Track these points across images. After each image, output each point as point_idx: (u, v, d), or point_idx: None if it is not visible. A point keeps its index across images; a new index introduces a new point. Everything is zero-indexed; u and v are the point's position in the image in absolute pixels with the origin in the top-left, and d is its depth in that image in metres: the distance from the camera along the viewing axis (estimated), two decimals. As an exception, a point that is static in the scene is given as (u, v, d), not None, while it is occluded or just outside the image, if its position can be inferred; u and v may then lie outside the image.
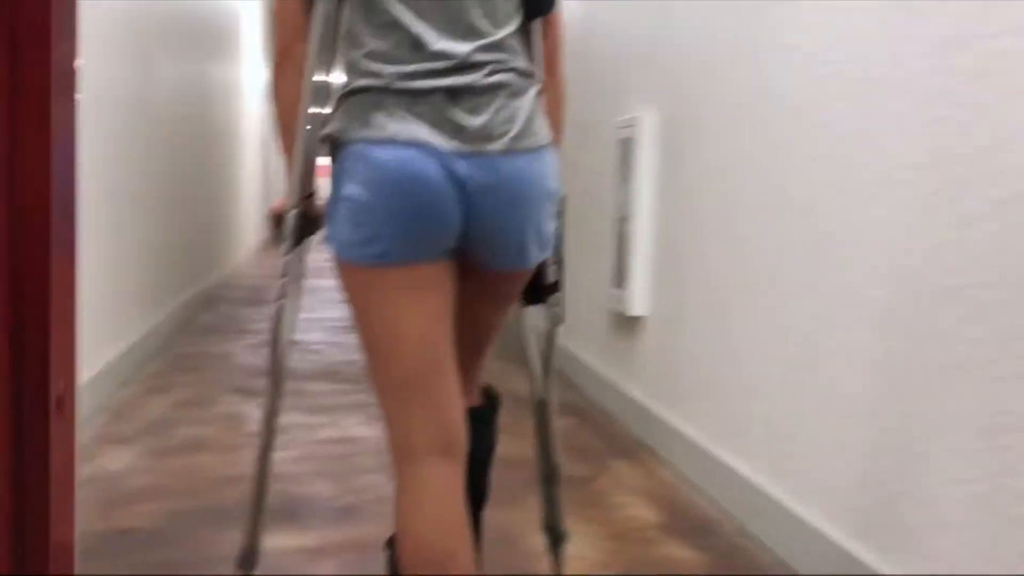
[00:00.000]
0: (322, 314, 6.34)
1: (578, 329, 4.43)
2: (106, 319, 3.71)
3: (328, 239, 1.51)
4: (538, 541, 2.42)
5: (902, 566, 1.90)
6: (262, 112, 10.85)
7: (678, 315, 3.15)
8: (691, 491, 2.88)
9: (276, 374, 1.74)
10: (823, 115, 2.26)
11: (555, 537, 2.07)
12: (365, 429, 3.46)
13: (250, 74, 10.22)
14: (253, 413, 3.60)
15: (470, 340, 1.70)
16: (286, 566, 2.24)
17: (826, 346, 2.23)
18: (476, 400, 1.86)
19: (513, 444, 3.35)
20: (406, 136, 1.43)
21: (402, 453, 1.52)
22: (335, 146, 1.49)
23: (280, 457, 3.06)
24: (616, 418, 3.71)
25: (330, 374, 4.39)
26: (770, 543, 2.42)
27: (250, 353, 4.86)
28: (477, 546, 1.82)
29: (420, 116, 1.43)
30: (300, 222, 1.62)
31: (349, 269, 1.50)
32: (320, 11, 1.55)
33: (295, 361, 4.65)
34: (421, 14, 1.46)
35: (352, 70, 1.50)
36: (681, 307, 3.13)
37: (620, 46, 3.86)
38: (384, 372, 1.52)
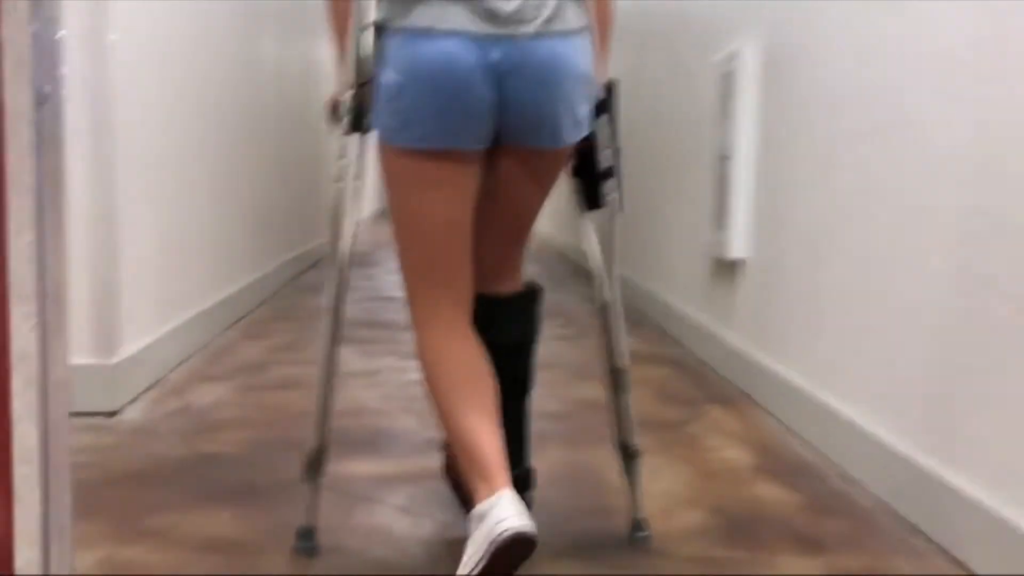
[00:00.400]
0: (422, 274, 6.35)
1: (674, 276, 4.28)
2: (211, 267, 3.76)
3: (372, 123, 1.65)
4: (620, 478, 2.33)
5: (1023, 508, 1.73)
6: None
7: (778, 258, 2.98)
8: (788, 436, 2.72)
9: (340, 260, 1.79)
10: (937, 47, 2.07)
11: (627, 454, 2.04)
12: (454, 373, 3.41)
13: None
14: (347, 357, 3.59)
15: (512, 223, 1.80)
16: (360, 490, 2.20)
17: (937, 269, 2.04)
18: (519, 286, 1.89)
19: (602, 389, 3.25)
20: (443, 26, 1.53)
21: (425, 323, 1.71)
22: (379, 34, 1.60)
23: (369, 395, 3.06)
24: (712, 366, 3.56)
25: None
26: (874, 488, 2.25)
27: (351, 306, 4.88)
28: (521, 434, 1.88)
29: (456, 4, 1.53)
30: (356, 103, 1.69)
31: (389, 152, 1.63)
32: None
33: (391, 312, 4.66)
34: None
35: None
36: (782, 249, 2.96)
37: (723, -19, 3.69)
38: (414, 252, 1.68)
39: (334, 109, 1.84)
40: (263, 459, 2.40)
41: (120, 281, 2.78)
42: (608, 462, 2.43)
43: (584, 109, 1.67)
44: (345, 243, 1.79)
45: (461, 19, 1.52)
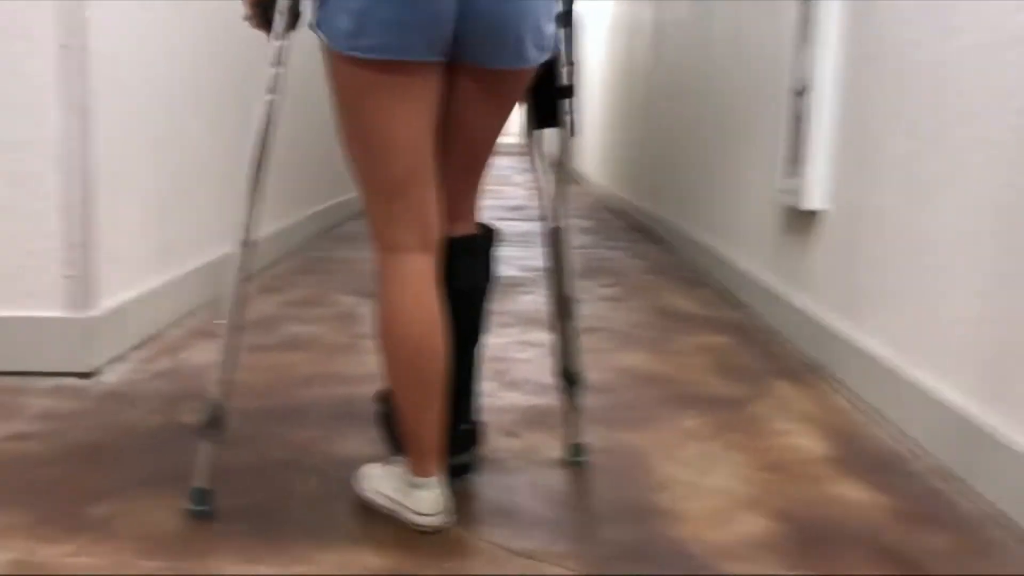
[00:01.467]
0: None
1: (738, 230, 3.81)
2: (220, 215, 3.41)
3: (318, 24, 1.46)
4: (670, 468, 1.92)
5: None
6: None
7: (865, 209, 2.52)
8: (873, 420, 2.28)
9: (257, 185, 1.62)
10: None
11: (571, 380, 1.95)
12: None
13: None
14: (364, 313, 3.23)
15: (467, 152, 1.65)
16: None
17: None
18: (474, 228, 1.74)
19: (652, 359, 2.83)
20: None
21: (386, 247, 1.57)
22: None
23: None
24: (781, 334, 3.11)
25: (460, 282, 3.98)
26: (983, 489, 1.82)
27: (358, 255, 4.52)
28: (470, 387, 1.77)
29: None
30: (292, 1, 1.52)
31: (340, 61, 1.47)
32: None
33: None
34: None
35: None
36: (869, 199, 2.49)
37: None
38: (373, 174, 1.54)
39: (259, 4, 1.55)
40: (248, 434, 2.04)
41: (98, 226, 2.43)
42: (656, 447, 2.03)
43: (551, 28, 1.57)
44: (264, 154, 1.61)
45: None
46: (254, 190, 1.62)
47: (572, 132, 1.74)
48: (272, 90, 1.54)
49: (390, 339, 1.57)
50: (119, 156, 2.53)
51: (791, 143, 3.00)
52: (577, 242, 5.51)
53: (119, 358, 2.55)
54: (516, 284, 4.00)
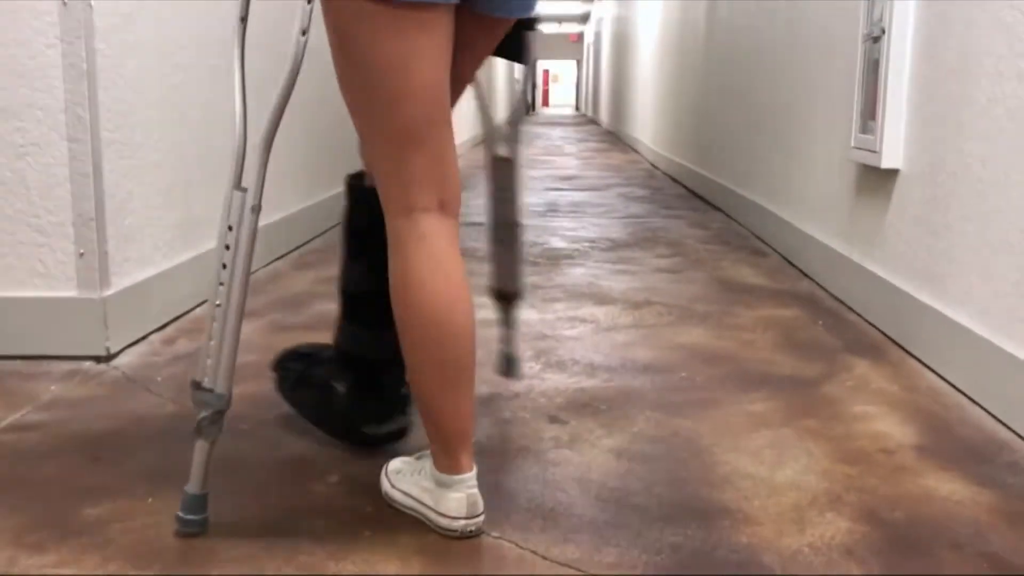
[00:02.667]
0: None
1: (803, 193, 3.53)
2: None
3: None
4: (735, 460, 1.70)
5: None
6: None
7: (948, 167, 2.24)
8: (964, 402, 2.02)
9: (278, 119, 1.41)
10: None
11: (506, 298, 1.91)
12: (526, 312, 2.81)
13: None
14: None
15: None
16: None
17: None
18: None
19: (712, 334, 2.59)
20: None
21: (401, 208, 1.40)
22: None
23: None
24: (853, 307, 2.85)
25: (506, 254, 3.77)
26: (1102, 484, 1.56)
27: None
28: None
29: None
30: None
31: (361, 2, 1.30)
32: None
33: (475, 242, 4.08)
34: None
35: None
36: (953, 156, 2.21)
37: None
38: (388, 119, 1.37)
39: None
40: (259, 424, 1.87)
41: (112, 199, 2.27)
42: (719, 435, 1.81)
43: None
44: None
45: None
46: (268, 148, 1.41)
47: (534, 61, 1.70)
48: (305, 29, 1.33)
49: (410, 315, 1.39)
50: (130, 126, 2.36)
51: (866, 95, 2.71)
52: (631, 211, 5.26)
53: (139, 340, 2.39)
54: (565, 256, 3.78)
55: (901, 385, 2.15)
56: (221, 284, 1.39)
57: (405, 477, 1.50)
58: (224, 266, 1.38)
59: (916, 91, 2.47)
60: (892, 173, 2.59)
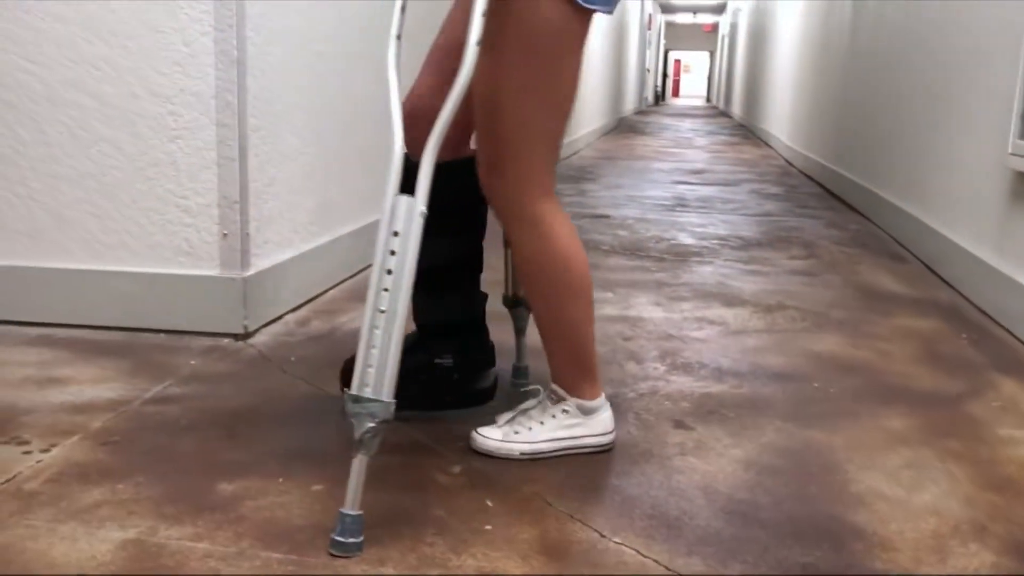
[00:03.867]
0: (642, 192, 5.68)
1: (949, 198, 3.35)
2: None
3: None
4: (871, 479, 1.63)
5: None
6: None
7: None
8: None
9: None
10: None
11: (518, 303, 2.01)
12: (652, 310, 2.77)
13: None
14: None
15: None
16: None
17: None
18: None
19: (848, 343, 2.49)
20: None
21: (547, 192, 1.62)
22: None
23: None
24: (1001, 321, 2.69)
25: (632, 250, 3.72)
26: None
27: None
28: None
29: None
30: None
31: (571, 12, 1.50)
32: None
33: (599, 235, 4.05)
34: None
35: None
36: None
37: None
38: (559, 118, 1.59)
39: None
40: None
41: (256, 183, 2.34)
42: (854, 451, 1.74)
43: None
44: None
45: None
46: (435, 155, 1.40)
47: None
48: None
49: (573, 275, 1.63)
50: (275, 113, 2.43)
51: (1023, 97, 2.56)
52: (764, 208, 5.12)
53: (273, 320, 2.47)
54: (693, 253, 3.70)
55: (1054, 409, 2.02)
56: (386, 290, 1.35)
57: (536, 429, 1.67)
58: (389, 271, 1.36)
59: (1086, 95, 2.30)
60: (1054, 182, 2.43)
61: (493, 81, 1.54)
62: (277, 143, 2.45)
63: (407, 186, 1.38)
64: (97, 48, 2.24)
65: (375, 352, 1.35)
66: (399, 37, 1.49)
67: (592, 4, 1.51)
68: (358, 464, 1.35)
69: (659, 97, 31.64)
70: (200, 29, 2.19)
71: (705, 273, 3.33)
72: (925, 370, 2.28)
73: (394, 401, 1.36)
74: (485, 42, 1.42)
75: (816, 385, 2.14)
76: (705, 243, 3.95)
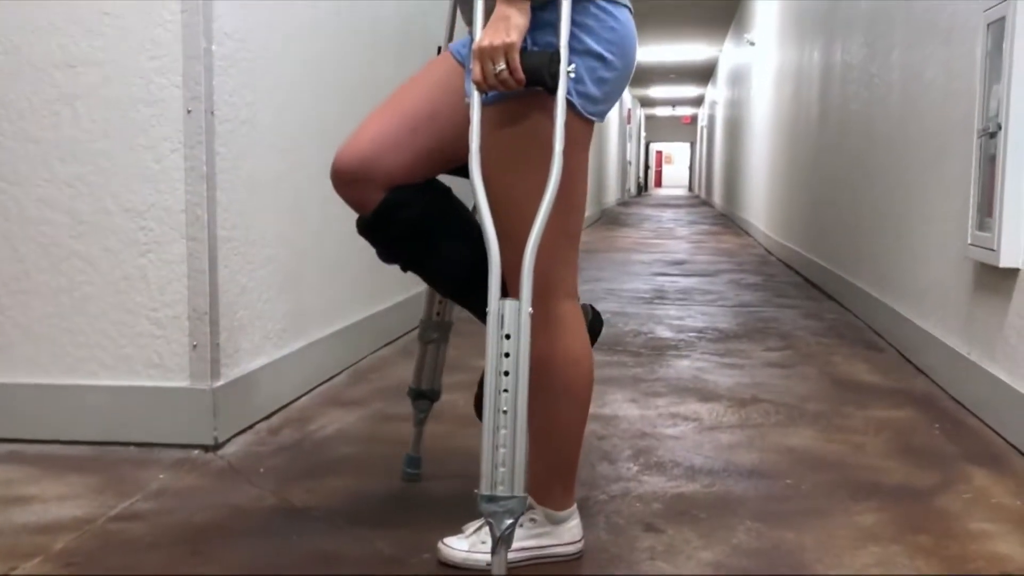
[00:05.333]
0: (622, 284, 5.74)
1: (919, 288, 3.40)
2: (357, 282, 3.33)
3: (570, 89, 1.53)
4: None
5: None
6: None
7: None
8: (1098, 523, 1.88)
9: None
10: None
11: (425, 396, 2.12)
12: (627, 408, 2.77)
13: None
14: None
15: None
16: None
17: None
18: None
19: (821, 437, 2.50)
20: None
21: (569, 292, 1.66)
22: None
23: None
24: (973, 410, 2.71)
25: (610, 345, 3.74)
26: None
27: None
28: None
29: None
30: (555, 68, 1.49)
31: (581, 124, 1.59)
32: None
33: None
34: None
35: None
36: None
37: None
38: (578, 219, 1.67)
39: (537, 71, 1.46)
40: (359, 526, 1.88)
41: (226, 294, 2.37)
42: (824, 550, 1.72)
43: None
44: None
45: None
46: (534, 257, 1.54)
47: None
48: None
49: (580, 381, 1.66)
50: (245, 224, 2.47)
51: (982, 192, 2.62)
52: (742, 299, 5.17)
53: (247, 429, 2.46)
54: (670, 347, 3.72)
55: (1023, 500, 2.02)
56: (505, 391, 1.42)
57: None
58: (506, 373, 1.42)
59: (1037, 187, 2.37)
60: (1012, 272, 2.47)
61: (513, 190, 1.55)
62: (248, 253, 2.48)
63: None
64: (71, 167, 2.29)
65: (503, 452, 1.42)
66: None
67: (593, 116, 1.60)
68: (498, 561, 1.44)
69: (641, 188, 32.19)
70: (170, 146, 2.25)
71: (681, 367, 3.34)
72: (898, 463, 2.28)
73: (526, 495, 1.46)
74: (503, 158, 1.54)
75: (788, 482, 2.14)
76: (682, 336, 3.98)
